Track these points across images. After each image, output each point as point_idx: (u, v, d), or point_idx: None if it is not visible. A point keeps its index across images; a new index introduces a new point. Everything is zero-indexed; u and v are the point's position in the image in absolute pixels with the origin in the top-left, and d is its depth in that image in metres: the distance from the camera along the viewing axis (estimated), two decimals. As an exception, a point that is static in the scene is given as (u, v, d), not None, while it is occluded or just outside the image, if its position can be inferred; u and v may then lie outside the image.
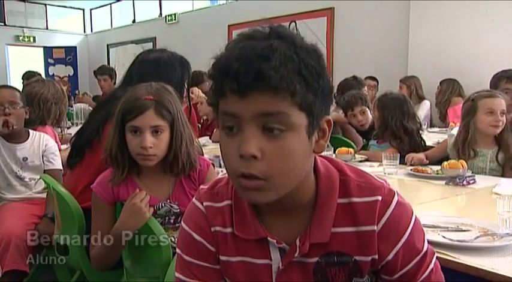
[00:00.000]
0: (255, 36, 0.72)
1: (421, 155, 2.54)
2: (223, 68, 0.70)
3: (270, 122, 0.70)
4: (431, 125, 4.78)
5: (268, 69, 0.67)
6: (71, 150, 1.91)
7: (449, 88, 4.67)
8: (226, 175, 0.88)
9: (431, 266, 0.83)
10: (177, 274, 0.89)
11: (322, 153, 0.84)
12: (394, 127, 2.78)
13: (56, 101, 2.70)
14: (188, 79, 1.99)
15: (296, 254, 0.81)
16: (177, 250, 0.90)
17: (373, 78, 5.16)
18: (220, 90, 0.71)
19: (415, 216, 0.83)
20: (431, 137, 3.47)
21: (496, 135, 2.34)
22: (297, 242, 0.81)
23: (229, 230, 0.85)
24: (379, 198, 0.80)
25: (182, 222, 0.90)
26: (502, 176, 2.29)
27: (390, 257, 0.80)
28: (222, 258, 0.86)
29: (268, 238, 0.82)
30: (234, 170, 0.73)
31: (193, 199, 0.91)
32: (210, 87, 0.74)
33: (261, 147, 0.70)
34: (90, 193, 1.72)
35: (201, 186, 0.92)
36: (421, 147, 2.78)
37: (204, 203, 0.88)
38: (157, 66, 1.91)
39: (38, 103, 2.63)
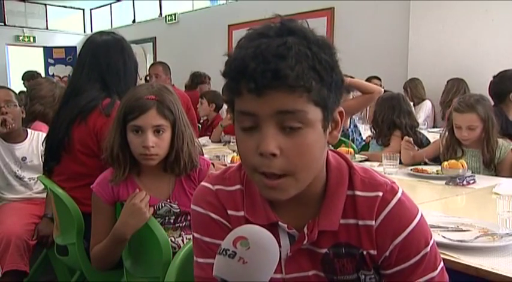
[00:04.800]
0: (267, 33, 0.71)
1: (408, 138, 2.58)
2: (239, 67, 0.69)
3: (288, 120, 0.70)
4: (435, 126, 4.71)
5: (285, 68, 0.67)
6: (45, 154, 1.88)
7: (453, 88, 4.54)
8: (237, 163, 0.88)
9: (434, 274, 0.81)
10: (199, 260, 0.86)
11: None
12: (380, 122, 2.80)
13: (32, 97, 2.67)
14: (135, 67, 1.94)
15: (305, 242, 0.81)
16: (194, 234, 0.88)
17: (377, 78, 5.07)
18: (236, 90, 0.71)
19: (421, 218, 0.81)
20: (429, 137, 3.46)
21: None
22: (305, 229, 0.81)
23: (241, 213, 0.85)
24: (380, 194, 0.80)
25: (194, 205, 0.88)
26: (496, 173, 2.30)
27: (387, 253, 0.80)
28: None
29: (279, 222, 0.82)
30: (253, 167, 0.73)
31: (203, 183, 0.90)
32: (225, 86, 0.74)
33: (280, 144, 0.70)
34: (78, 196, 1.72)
35: (211, 171, 0.91)
36: (419, 144, 2.77)
37: (215, 186, 0.87)
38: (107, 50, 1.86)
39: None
